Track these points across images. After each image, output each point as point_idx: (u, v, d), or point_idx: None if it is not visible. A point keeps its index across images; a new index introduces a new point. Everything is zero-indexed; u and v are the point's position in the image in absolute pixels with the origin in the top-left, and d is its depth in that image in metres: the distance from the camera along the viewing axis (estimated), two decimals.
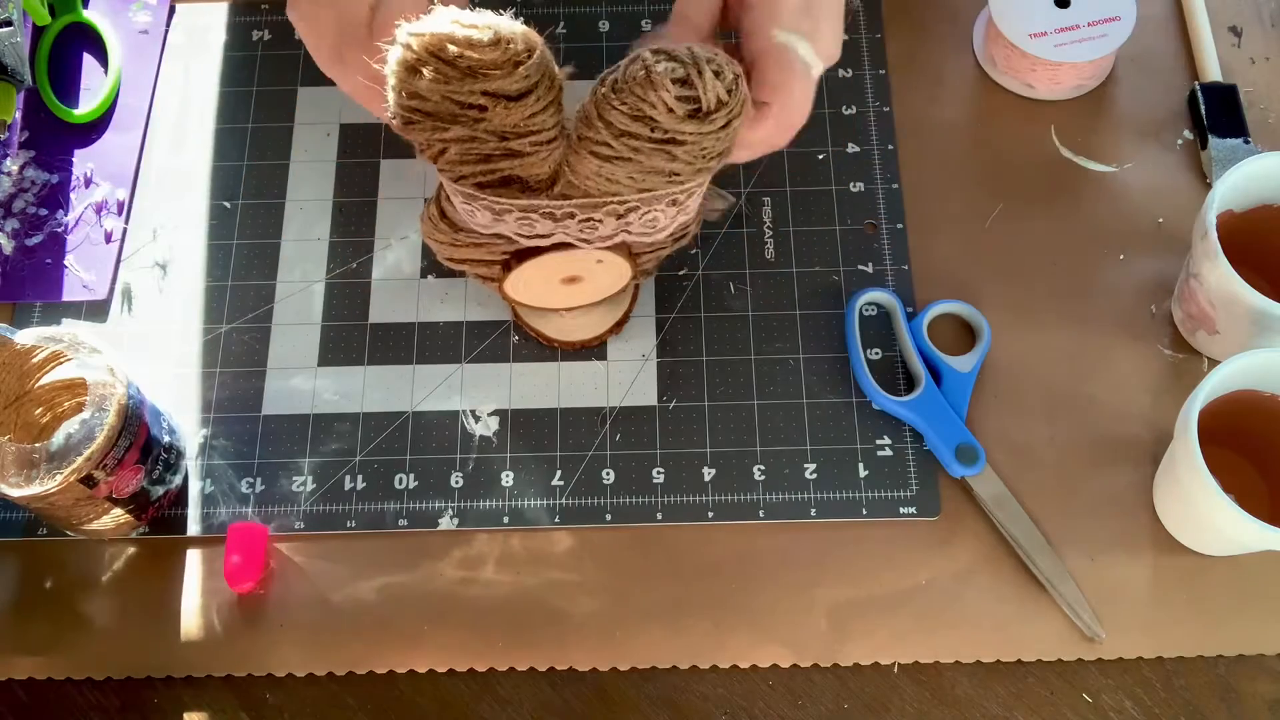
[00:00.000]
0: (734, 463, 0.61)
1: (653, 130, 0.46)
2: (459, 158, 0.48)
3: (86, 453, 0.52)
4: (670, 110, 0.45)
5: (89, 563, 0.60)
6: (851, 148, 0.69)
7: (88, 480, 0.53)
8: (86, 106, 0.70)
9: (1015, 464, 0.61)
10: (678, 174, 0.49)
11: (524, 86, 0.45)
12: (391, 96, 0.46)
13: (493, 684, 0.58)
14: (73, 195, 0.68)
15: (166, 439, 0.59)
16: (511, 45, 0.44)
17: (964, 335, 0.64)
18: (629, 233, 0.53)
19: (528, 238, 0.53)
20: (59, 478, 0.52)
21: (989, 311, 0.63)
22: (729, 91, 0.46)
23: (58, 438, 0.52)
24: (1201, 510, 0.54)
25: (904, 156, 0.68)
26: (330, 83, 0.70)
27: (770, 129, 0.50)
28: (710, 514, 0.60)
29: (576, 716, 0.57)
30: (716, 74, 0.45)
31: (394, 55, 0.44)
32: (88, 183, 0.68)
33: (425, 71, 0.44)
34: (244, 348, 0.64)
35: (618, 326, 0.64)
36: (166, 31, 0.73)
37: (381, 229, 0.67)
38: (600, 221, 0.52)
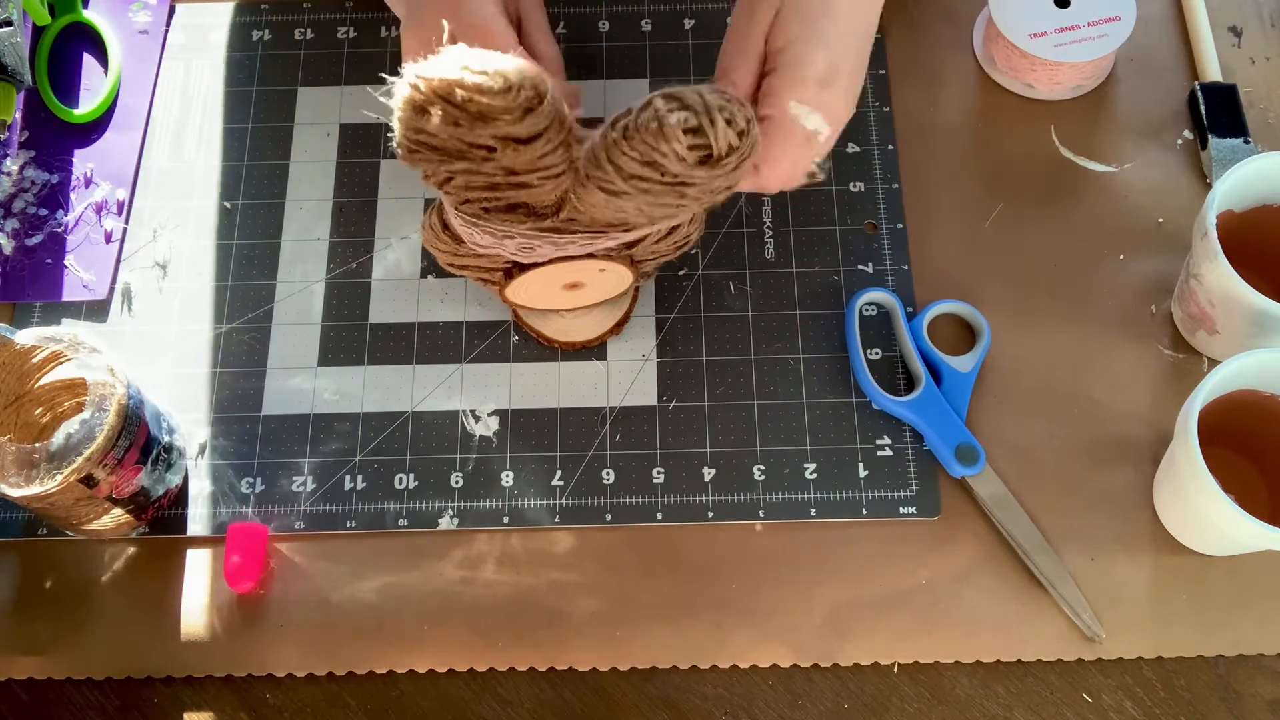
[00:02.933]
0: (734, 463, 0.61)
1: (663, 175, 0.46)
2: (465, 185, 0.48)
3: (86, 453, 0.52)
4: (681, 159, 0.45)
5: (89, 563, 0.59)
6: (851, 148, 0.69)
7: (88, 480, 0.53)
8: (86, 106, 0.70)
9: (1015, 464, 0.61)
10: (685, 206, 0.49)
11: (534, 131, 0.44)
12: (398, 129, 0.45)
13: (493, 684, 0.58)
14: (73, 195, 0.68)
15: (166, 439, 0.59)
16: (522, 92, 0.43)
17: (964, 335, 0.64)
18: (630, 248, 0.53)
19: (529, 257, 0.53)
20: (59, 478, 0.52)
21: (989, 311, 0.63)
22: (740, 135, 0.45)
23: (58, 438, 0.52)
24: (1201, 510, 0.54)
25: (904, 156, 0.68)
26: (330, 82, 0.71)
27: (754, 185, 0.52)
28: (710, 514, 0.60)
29: (576, 716, 0.57)
30: (728, 121, 0.45)
31: (401, 94, 0.44)
32: (88, 183, 0.68)
33: (433, 112, 0.43)
34: (244, 348, 0.64)
35: (618, 327, 0.64)
36: (166, 31, 0.73)
37: (381, 229, 0.67)
38: (603, 244, 0.52)
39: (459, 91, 0.43)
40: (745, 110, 0.45)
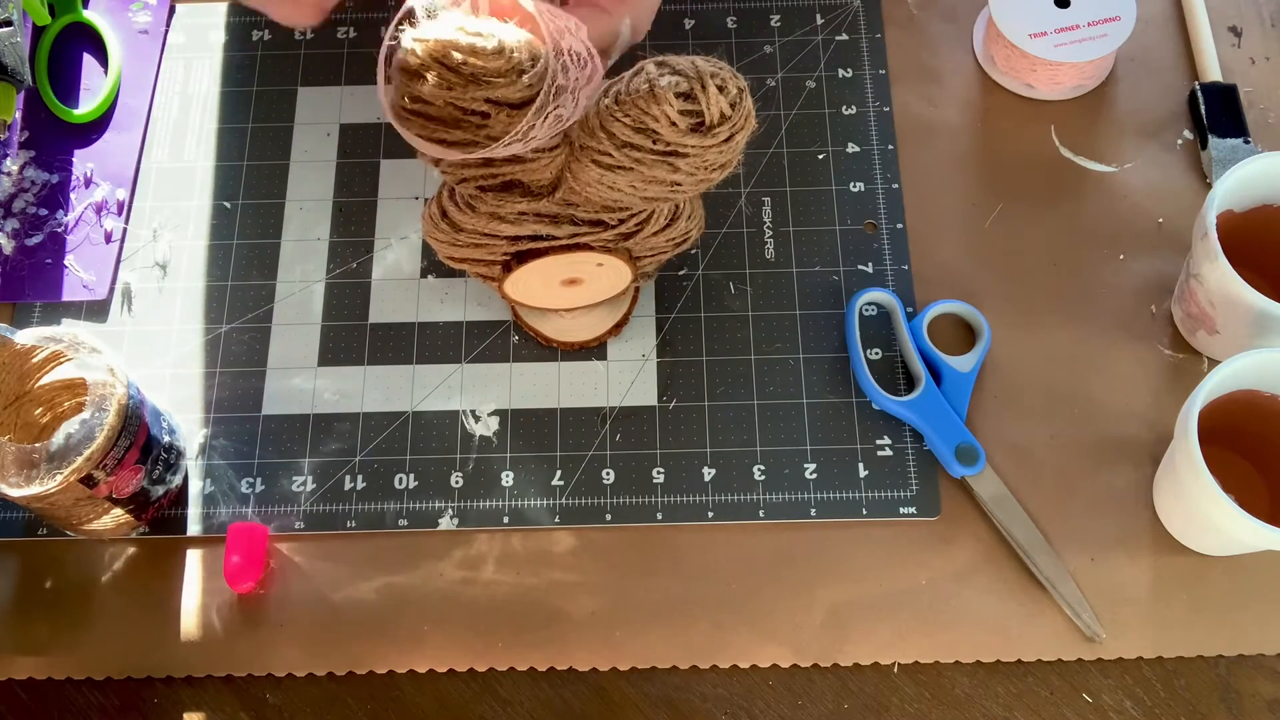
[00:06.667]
0: (734, 463, 0.61)
1: (655, 142, 0.46)
2: (460, 161, 0.48)
3: (86, 453, 0.52)
4: (673, 124, 0.45)
5: (89, 563, 0.59)
6: (851, 148, 0.69)
7: (88, 480, 0.53)
8: (86, 106, 0.70)
9: (1015, 464, 0.61)
10: (679, 184, 0.49)
11: (527, 95, 0.45)
12: (394, 97, 0.46)
13: (493, 684, 0.58)
14: (73, 195, 0.68)
15: (166, 439, 0.59)
16: (515, 54, 0.44)
17: (964, 335, 0.64)
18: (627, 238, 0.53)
19: (527, 240, 0.53)
20: (59, 478, 0.52)
21: (989, 311, 0.63)
22: (732, 106, 0.46)
23: (58, 438, 0.52)
24: (1201, 510, 0.54)
25: (904, 156, 0.68)
26: (330, 82, 0.71)
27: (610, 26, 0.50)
28: (710, 514, 0.60)
29: (576, 716, 0.57)
30: (720, 89, 0.45)
31: (397, 58, 0.44)
32: (88, 183, 0.68)
33: (429, 76, 0.44)
34: (244, 348, 0.64)
35: (617, 328, 0.64)
36: (166, 31, 0.73)
37: (381, 229, 0.67)
38: (599, 229, 0.52)
39: (454, 54, 0.43)
40: (738, 80, 0.46)
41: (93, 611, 0.59)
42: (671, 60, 0.46)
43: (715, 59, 0.46)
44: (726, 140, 0.47)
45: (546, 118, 0.45)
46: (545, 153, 0.48)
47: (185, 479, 0.61)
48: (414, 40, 0.44)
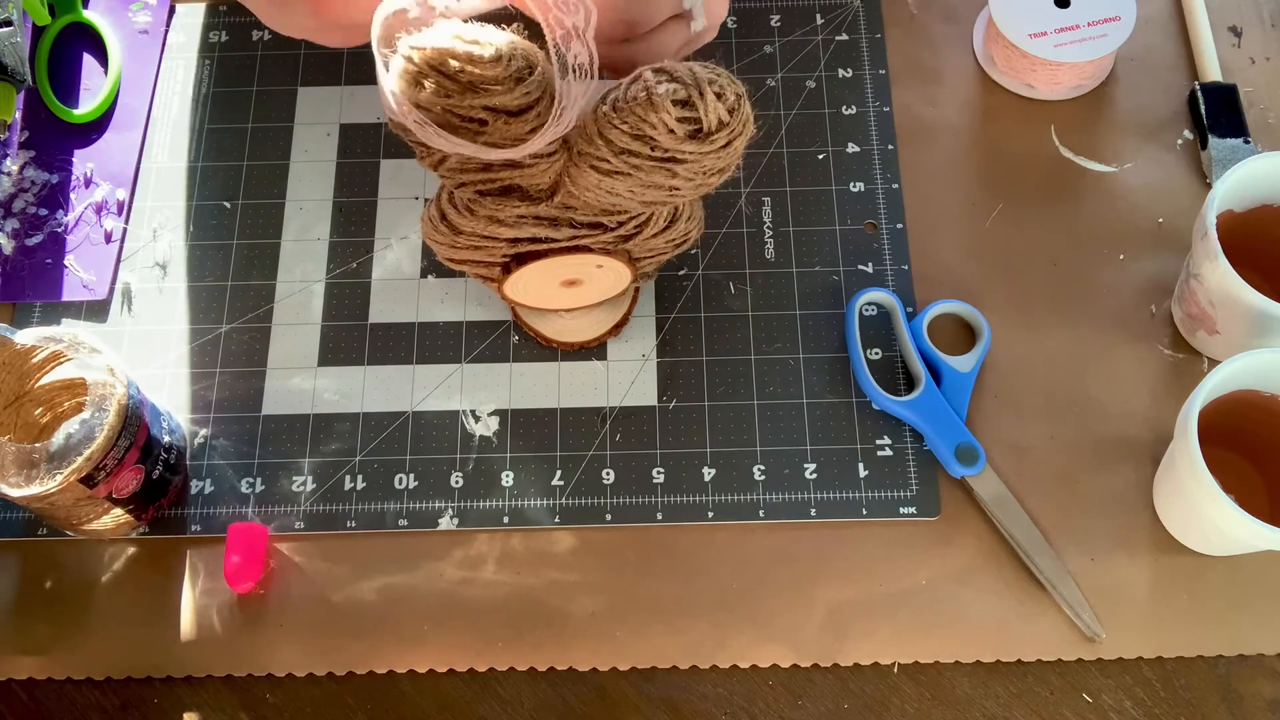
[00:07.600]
0: (734, 463, 0.61)
1: (653, 149, 0.46)
2: (459, 165, 0.48)
3: (86, 453, 0.52)
4: (671, 131, 0.45)
5: (89, 563, 0.59)
6: (851, 148, 0.69)
7: (88, 480, 0.53)
8: (86, 106, 0.70)
9: (1015, 464, 0.61)
10: (678, 189, 0.49)
11: (524, 102, 0.45)
12: (391, 101, 0.46)
13: (493, 684, 0.58)
14: (73, 195, 0.68)
15: (166, 439, 0.59)
16: (513, 62, 0.44)
17: (964, 335, 0.64)
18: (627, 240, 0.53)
19: (526, 242, 0.53)
20: (59, 478, 0.52)
21: (989, 311, 0.63)
22: (730, 112, 0.46)
23: (58, 438, 0.52)
24: (1201, 510, 0.54)
25: (904, 156, 0.68)
26: (330, 82, 0.71)
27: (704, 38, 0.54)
28: (710, 514, 0.60)
29: (576, 716, 0.57)
30: (718, 95, 0.45)
31: (395, 66, 0.44)
32: (88, 183, 0.68)
33: (426, 84, 0.44)
34: (244, 348, 0.64)
35: (617, 329, 0.64)
36: (166, 31, 0.73)
37: (381, 229, 0.67)
38: (598, 232, 0.52)
39: (451, 61, 0.43)
40: (736, 86, 0.46)
41: (93, 611, 0.59)
42: (669, 67, 0.45)
43: (713, 65, 0.46)
44: (725, 146, 0.46)
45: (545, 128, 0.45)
46: (543, 158, 0.48)
47: (185, 479, 0.61)
48: (411, 47, 0.44)
